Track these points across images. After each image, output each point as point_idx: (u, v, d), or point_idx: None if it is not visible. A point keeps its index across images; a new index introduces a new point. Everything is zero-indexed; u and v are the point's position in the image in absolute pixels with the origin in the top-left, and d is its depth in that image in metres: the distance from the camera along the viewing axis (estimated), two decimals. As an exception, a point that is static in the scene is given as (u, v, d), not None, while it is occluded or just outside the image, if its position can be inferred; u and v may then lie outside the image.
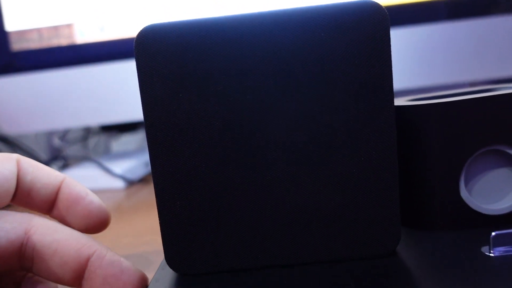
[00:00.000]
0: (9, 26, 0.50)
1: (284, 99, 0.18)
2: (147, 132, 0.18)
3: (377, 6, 0.17)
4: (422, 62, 0.47)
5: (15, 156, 0.19)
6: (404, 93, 0.48)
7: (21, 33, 0.50)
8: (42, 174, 0.19)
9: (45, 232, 0.17)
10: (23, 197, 0.19)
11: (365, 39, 0.17)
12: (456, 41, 0.47)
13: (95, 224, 0.19)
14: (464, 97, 0.20)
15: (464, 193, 0.20)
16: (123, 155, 0.57)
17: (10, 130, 0.52)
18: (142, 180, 0.50)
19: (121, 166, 0.49)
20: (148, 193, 0.43)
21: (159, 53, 0.18)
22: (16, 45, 0.50)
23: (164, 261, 0.19)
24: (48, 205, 0.19)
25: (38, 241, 0.17)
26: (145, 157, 0.54)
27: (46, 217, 0.19)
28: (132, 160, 0.52)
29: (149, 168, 0.53)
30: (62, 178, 0.19)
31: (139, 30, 0.18)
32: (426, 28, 0.47)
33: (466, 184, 0.21)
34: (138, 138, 0.62)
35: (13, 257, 0.17)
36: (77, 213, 0.19)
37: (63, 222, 0.19)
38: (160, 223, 0.19)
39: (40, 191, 0.19)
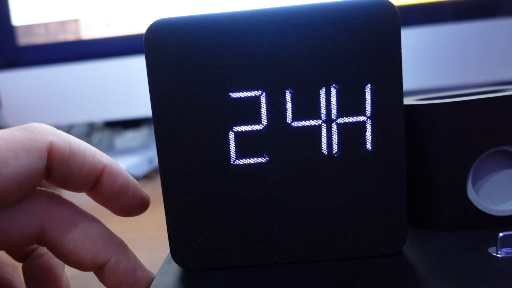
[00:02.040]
0: (16, 21, 0.50)
1: (292, 94, 0.18)
2: (155, 127, 0.18)
3: (388, 4, 0.17)
4: (428, 63, 0.47)
5: (47, 141, 0.16)
6: (410, 93, 0.48)
7: (28, 28, 0.50)
8: (80, 164, 0.17)
9: (62, 229, 0.16)
10: (58, 182, 0.17)
11: (376, 37, 0.17)
12: (463, 43, 0.47)
13: (136, 213, 0.18)
14: (472, 97, 0.20)
15: (471, 193, 0.20)
16: (127, 151, 0.57)
17: (16, 124, 0.52)
18: (146, 177, 0.50)
19: (125, 162, 0.49)
20: (152, 189, 0.43)
21: (168, 48, 0.18)
22: (23, 40, 0.50)
23: (170, 256, 0.19)
24: (86, 189, 0.18)
25: (53, 239, 0.16)
26: (149, 153, 0.54)
27: (66, 209, 0.17)
28: (136, 156, 0.52)
29: (153, 164, 0.53)
30: (101, 167, 0.17)
31: (148, 25, 0.18)
32: (432, 29, 0.47)
33: (473, 185, 0.20)
34: (142, 135, 0.63)
35: (25, 246, 0.17)
36: (119, 205, 0.18)
37: (102, 203, 0.18)
38: (166, 218, 0.19)
39: (77, 181, 0.17)
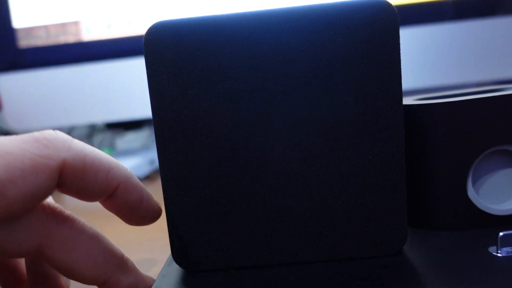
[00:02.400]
0: (16, 23, 0.50)
1: (292, 97, 0.18)
2: (155, 129, 0.18)
3: (387, 4, 0.17)
4: (428, 62, 0.47)
5: (60, 159, 0.15)
6: (410, 93, 0.48)
7: (29, 30, 0.50)
8: (92, 182, 0.16)
9: (61, 249, 0.16)
10: (68, 193, 0.16)
11: (375, 38, 0.17)
12: (463, 41, 0.47)
13: (146, 223, 0.18)
14: (471, 96, 0.20)
15: (471, 193, 0.20)
16: (128, 152, 0.57)
17: (17, 126, 0.53)
18: (147, 178, 0.50)
19: (126, 164, 0.49)
20: (153, 191, 0.43)
21: (168, 50, 0.18)
22: (24, 42, 0.50)
23: (171, 257, 0.19)
24: (99, 200, 0.17)
25: (51, 258, 0.16)
26: (150, 154, 0.54)
27: (66, 228, 0.16)
28: (137, 157, 0.52)
29: (154, 165, 0.53)
30: (116, 184, 0.16)
31: (148, 27, 0.18)
32: (432, 28, 0.47)
33: (473, 184, 0.20)
34: (143, 136, 0.63)
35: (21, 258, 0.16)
36: (130, 217, 0.18)
37: (114, 213, 0.18)
38: (167, 219, 0.19)
39: (88, 195, 0.16)
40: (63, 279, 0.20)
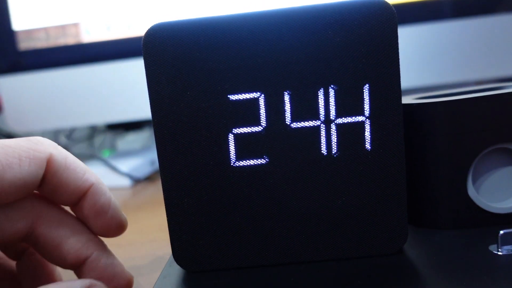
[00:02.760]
0: (16, 26, 0.50)
1: (290, 98, 0.18)
2: (155, 130, 0.18)
3: (385, 4, 0.17)
4: (428, 60, 0.47)
5: (48, 152, 0.18)
6: (410, 91, 0.48)
7: (29, 33, 0.50)
8: (70, 178, 0.18)
9: (50, 225, 0.18)
10: (47, 193, 0.19)
11: (373, 37, 0.17)
12: (463, 39, 0.47)
13: (112, 234, 0.20)
14: (471, 95, 0.20)
15: (471, 191, 0.20)
16: (129, 153, 0.57)
17: (18, 128, 0.53)
18: (148, 178, 0.50)
19: (127, 165, 0.49)
20: (154, 191, 0.43)
21: (166, 52, 0.18)
22: (24, 44, 0.50)
23: (172, 258, 0.20)
24: (70, 203, 0.19)
25: (42, 234, 0.18)
26: (151, 155, 0.54)
27: (54, 209, 0.19)
28: (138, 158, 0.52)
29: (155, 166, 0.53)
30: (89, 185, 0.19)
31: (147, 29, 0.18)
32: (432, 26, 0.47)
33: (473, 183, 0.20)
34: (144, 137, 0.63)
35: (16, 242, 0.18)
36: (97, 224, 0.19)
37: (82, 219, 0.19)
38: (168, 220, 0.19)
39: (64, 195, 0.19)
40: (57, 273, 0.21)
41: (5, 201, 0.17)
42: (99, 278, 0.18)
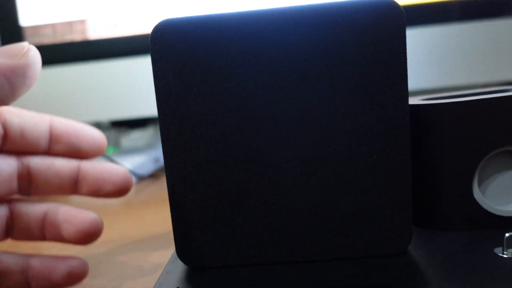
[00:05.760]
0: (23, 22, 0.50)
1: (297, 96, 0.18)
2: (161, 127, 0.18)
3: (394, 4, 0.17)
4: (435, 62, 0.47)
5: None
6: (416, 93, 0.48)
7: (35, 29, 0.50)
8: (29, 116, 0.21)
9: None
10: (15, 140, 0.21)
11: (381, 37, 0.17)
12: (471, 42, 0.46)
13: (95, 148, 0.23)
14: (478, 97, 0.20)
15: (477, 193, 0.20)
16: (133, 150, 0.57)
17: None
18: (152, 176, 0.50)
19: (131, 162, 0.49)
20: (158, 189, 0.43)
21: (173, 48, 0.18)
22: (30, 40, 0.51)
23: (175, 254, 0.20)
24: (43, 143, 0.22)
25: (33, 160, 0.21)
26: (155, 152, 0.54)
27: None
28: (142, 155, 0.52)
29: (159, 164, 0.53)
30: (49, 116, 0.22)
31: (154, 25, 0.18)
32: (439, 29, 0.47)
33: (479, 185, 0.20)
34: (148, 134, 0.63)
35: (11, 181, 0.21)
36: (79, 142, 0.22)
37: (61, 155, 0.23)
38: (171, 216, 0.19)
39: (32, 131, 0.21)
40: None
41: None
42: (97, 177, 0.21)
